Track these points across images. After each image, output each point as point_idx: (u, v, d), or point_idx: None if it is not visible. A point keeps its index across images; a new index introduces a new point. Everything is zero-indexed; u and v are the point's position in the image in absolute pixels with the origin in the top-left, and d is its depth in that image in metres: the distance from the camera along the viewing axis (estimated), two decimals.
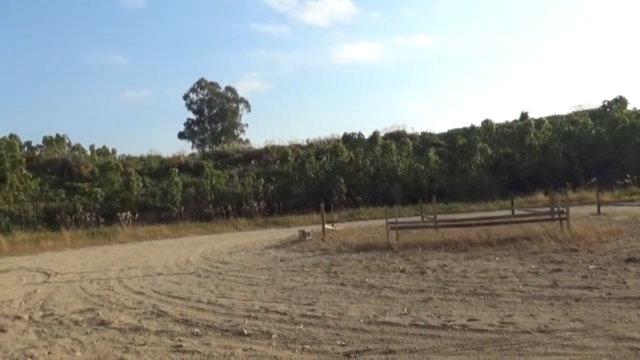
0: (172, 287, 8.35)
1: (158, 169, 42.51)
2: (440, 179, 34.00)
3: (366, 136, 41.53)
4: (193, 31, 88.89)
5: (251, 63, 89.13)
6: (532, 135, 35.77)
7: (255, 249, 13.83)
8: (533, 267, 7.56)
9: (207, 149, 59.33)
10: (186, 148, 62.71)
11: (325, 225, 15.30)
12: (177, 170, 36.28)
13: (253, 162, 43.17)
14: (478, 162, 34.16)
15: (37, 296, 8.52)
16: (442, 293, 6.25)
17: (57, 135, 48.68)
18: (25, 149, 46.64)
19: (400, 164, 34.25)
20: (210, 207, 29.36)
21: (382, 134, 41.20)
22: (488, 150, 36.09)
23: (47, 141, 48.02)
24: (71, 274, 11.45)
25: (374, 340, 4.47)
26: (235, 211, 28.54)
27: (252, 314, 5.84)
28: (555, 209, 12.52)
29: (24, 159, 39.50)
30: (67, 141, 49.40)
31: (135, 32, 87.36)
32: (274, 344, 4.62)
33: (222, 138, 65.72)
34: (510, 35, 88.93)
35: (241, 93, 67.61)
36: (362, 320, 5.20)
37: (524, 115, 41.75)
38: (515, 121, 48.38)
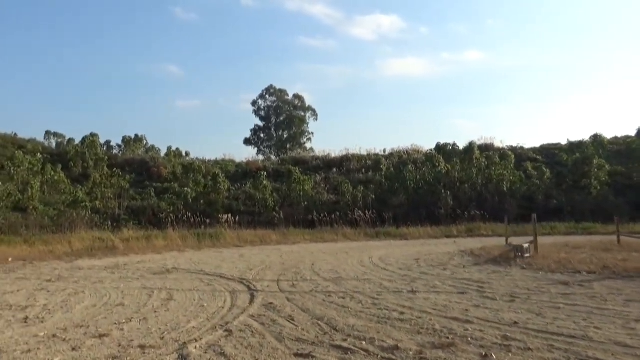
0: (483, 312, 6.04)
1: (235, 173, 41.21)
2: (558, 195, 30.65)
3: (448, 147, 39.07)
4: (242, 43, 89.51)
5: (299, 75, 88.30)
6: None
7: (450, 264, 11.44)
8: None
9: (273, 156, 58.04)
10: (252, 154, 61.65)
11: (510, 241, 12.74)
12: (265, 174, 34.66)
13: (335, 169, 41.19)
14: (602, 179, 30.65)
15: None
16: None
17: (136, 135, 48.46)
18: (105, 148, 46.49)
19: (511, 177, 31.22)
20: (315, 213, 27.27)
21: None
22: (606, 167, 32.52)
23: (126, 141, 47.80)
24: (266, 281, 9.37)
25: None
26: (341, 219, 26.35)
27: None
28: None
29: (106, 157, 39.17)
30: (144, 142, 49.07)
31: (188, 44, 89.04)
32: None
33: (288, 146, 64.45)
34: (562, 51, 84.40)
35: None
36: None
37: None
38: (617, 137, 44.82)
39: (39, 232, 23.55)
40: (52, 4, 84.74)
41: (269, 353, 4.66)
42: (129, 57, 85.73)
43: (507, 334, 4.98)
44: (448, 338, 4.93)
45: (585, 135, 50.10)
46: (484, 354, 4.37)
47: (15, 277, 10.71)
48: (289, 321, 5.94)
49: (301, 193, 31.10)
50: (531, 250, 11.19)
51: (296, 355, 4.58)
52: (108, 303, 7.42)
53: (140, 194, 34.48)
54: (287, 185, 32.61)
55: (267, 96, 66.25)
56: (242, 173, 41.32)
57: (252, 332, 5.48)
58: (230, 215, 26.29)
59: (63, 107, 78.33)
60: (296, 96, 66.79)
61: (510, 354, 4.35)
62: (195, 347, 4.86)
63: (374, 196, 30.11)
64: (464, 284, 8.23)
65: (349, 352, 4.56)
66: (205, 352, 4.71)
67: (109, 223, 27.30)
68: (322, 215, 27.01)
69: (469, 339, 4.88)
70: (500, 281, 8.47)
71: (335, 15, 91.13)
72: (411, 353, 4.47)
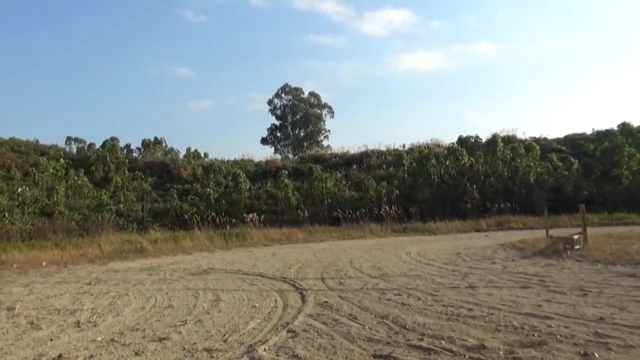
0: (558, 307, 5.69)
1: (255, 172, 41.14)
2: (588, 186, 29.84)
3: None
4: (252, 43, 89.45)
5: (310, 73, 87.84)
6: None
7: (497, 258, 11.04)
8: None
9: (290, 155, 57.88)
10: (270, 153, 61.56)
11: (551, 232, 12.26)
12: (286, 172, 34.45)
13: (355, 166, 40.85)
14: (634, 168, 29.74)
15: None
16: None
17: (155, 138, 48.68)
18: (125, 152, 46.78)
19: (538, 169, 30.50)
20: (339, 210, 26.98)
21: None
22: (637, 155, 31.54)
23: (146, 144, 48.07)
24: (310, 279, 9.10)
25: None
26: (366, 216, 26.02)
27: None
28: None
29: (126, 161, 39.38)
30: (163, 144, 49.30)
31: (199, 46, 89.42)
32: None
33: (305, 144, 64.12)
34: (578, 39, 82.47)
35: None
36: None
37: None
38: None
39: (66, 236, 23.67)
40: (69, 9, 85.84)
41: (345, 355, 4.38)
42: (141, 60, 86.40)
43: (598, 331, 4.62)
44: (534, 335, 4.59)
45: (610, 124, 48.89)
46: (582, 352, 4.02)
47: (54, 280, 10.62)
48: (352, 320, 5.65)
49: (323, 190, 30.82)
50: (581, 241, 10.73)
51: (375, 356, 4.29)
52: (156, 305, 7.23)
53: (162, 195, 34.54)
54: (308, 183, 32.33)
55: (283, 95, 65.94)
56: (261, 172, 41.23)
57: (318, 332, 5.20)
58: (255, 214, 26.13)
59: (80, 112, 79.26)
60: (312, 94, 66.31)
61: (612, 352, 4.00)
62: (265, 350, 4.60)
63: (398, 192, 29.67)
64: (523, 278, 7.85)
65: (432, 353, 4.26)
66: (277, 355, 4.45)
67: (134, 225, 27.37)
68: (346, 212, 26.69)
69: (558, 336, 4.53)
70: (559, 274, 8.07)
71: (345, 11, 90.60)
72: (501, 353, 4.15)
